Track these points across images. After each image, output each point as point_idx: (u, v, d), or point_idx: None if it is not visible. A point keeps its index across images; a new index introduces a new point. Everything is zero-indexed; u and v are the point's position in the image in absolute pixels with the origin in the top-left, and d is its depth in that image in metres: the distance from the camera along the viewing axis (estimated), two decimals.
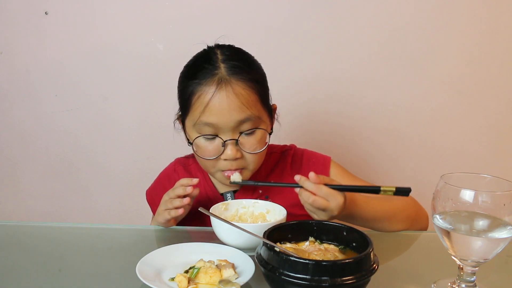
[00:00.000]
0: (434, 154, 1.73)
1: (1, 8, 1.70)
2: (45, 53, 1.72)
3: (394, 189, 0.91)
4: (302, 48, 1.66)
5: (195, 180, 1.04)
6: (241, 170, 1.09)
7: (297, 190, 0.95)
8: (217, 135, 1.06)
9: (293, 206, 1.13)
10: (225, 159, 1.07)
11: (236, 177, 1.05)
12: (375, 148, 1.72)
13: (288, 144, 1.28)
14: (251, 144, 1.08)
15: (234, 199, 1.16)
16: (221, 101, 1.03)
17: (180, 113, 1.15)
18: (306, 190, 0.93)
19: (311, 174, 0.94)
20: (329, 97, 1.69)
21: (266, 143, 1.11)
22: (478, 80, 1.68)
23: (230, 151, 1.06)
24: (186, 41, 1.68)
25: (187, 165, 1.25)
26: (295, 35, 1.66)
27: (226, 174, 1.09)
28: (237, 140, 1.06)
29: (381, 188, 0.92)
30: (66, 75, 1.73)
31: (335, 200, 0.92)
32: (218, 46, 1.13)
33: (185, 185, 1.03)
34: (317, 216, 0.94)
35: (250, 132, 1.08)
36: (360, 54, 1.66)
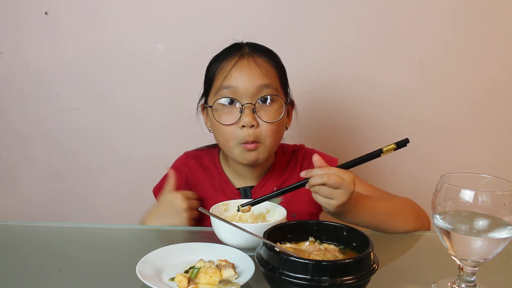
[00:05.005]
0: (434, 154, 1.73)
1: (1, 8, 1.70)
2: (45, 53, 1.72)
3: (394, 145, 0.95)
4: (309, 47, 1.67)
5: None
6: (257, 145, 1.10)
7: (307, 187, 0.95)
8: (236, 99, 1.09)
9: (308, 203, 1.13)
10: (242, 126, 1.08)
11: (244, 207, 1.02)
12: (376, 147, 1.72)
13: (297, 144, 1.30)
14: (267, 113, 1.10)
15: (251, 194, 1.18)
16: (242, 68, 1.10)
17: (203, 100, 1.19)
18: (316, 176, 0.92)
19: (315, 156, 0.96)
20: (332, 97, 1.69)
21: (283, 117, 1.12)
22: (478, 80, 1.68)
23: (247, 117, 1.08)
24: (186, 42, 1.68)
25: (199, 158, 1.24)
26: (302, 34, 1.66)
27: (244, 146, 1.09)
28: (254, 106, 1.09)
29: (383, 149, 0.95)
30: (66, 75, 1.73)
31: (346, 174, 0.93)
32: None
33: None
34: (334, 200, 0.92)
35: (268, 102, 1.10)
36: (362, 54, 1.66)
